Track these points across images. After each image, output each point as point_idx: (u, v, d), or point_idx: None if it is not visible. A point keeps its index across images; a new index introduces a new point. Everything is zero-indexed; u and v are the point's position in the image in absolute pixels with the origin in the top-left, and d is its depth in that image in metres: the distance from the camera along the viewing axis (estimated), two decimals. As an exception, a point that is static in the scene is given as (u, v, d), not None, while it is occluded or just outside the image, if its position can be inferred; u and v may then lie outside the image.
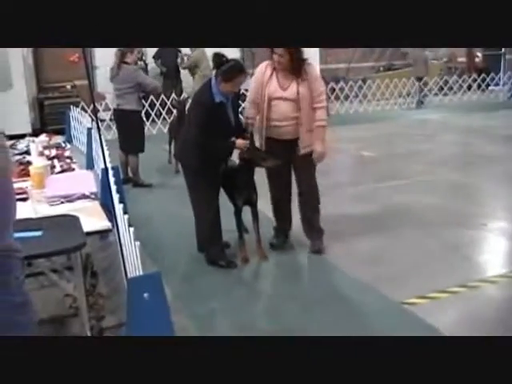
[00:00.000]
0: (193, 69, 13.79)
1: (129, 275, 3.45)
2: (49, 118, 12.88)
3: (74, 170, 5.28)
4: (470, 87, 17.18)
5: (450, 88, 16.93)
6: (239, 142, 5.05)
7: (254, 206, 5.40)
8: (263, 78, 5.24)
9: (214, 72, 5.08)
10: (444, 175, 8.37)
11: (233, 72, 4.90)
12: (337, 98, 15.56)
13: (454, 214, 6.51)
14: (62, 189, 4.39)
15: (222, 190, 5.36)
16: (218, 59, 5.01)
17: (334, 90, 15.53)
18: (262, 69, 5.29)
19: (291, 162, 5.34)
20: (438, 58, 18.39)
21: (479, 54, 19.16)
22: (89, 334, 3.62)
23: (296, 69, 5.14)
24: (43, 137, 6.64)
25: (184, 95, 12.52)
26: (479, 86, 17.44)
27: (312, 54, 17.38)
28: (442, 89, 16.91)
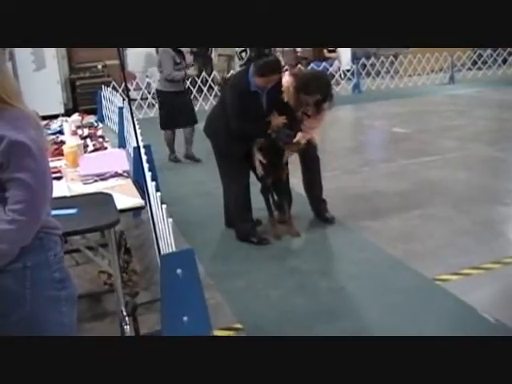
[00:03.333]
0: None
1: (162, 252, 3.49)
2: (81, 98, 13.01)
3: (106, 148, 5.33)
4: (505, 61, 16.82)
5: (484, 62, 16.60)
6: (275, 120, 5.04)
7: (282, 183, 5.39)
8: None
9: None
10: (477, 151, 8.24)
11: (266, 70, 4.87)
12: (368, 73, 15.39)
13: (487, 190, 6.43)
14: (95, 167, 4.44)
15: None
16: (258, 50, 5.02)
17: (365, 65, 15.37)
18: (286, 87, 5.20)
19: None
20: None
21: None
22: (123, 310, 3.68)
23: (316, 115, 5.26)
24: (76, 116, 6.70)
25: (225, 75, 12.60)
26: (515, 60, 17.08)
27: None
28: (475, 63, 16.60)
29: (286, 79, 5.26)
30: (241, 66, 15.26)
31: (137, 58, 14.62)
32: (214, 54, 14.37)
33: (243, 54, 15.45)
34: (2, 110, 2.01)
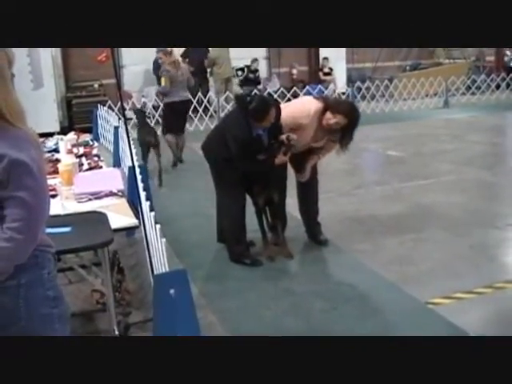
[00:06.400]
0: (212, 67, 13.99)
1: (155, 272, 3.49)
2: (77, 117, 13.03)
3: (101, 167, 5.35)
4: (498, 86, 16.98)
5: (478, 87, 16.74)
6: (280, 159, 5.09)
7: (275, 205, 5.40)
8: (302, 122, 5.19)
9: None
10: (471, 175, 8.29)
11: (261, 113, 4.91)
12: (363, 97, 15.49)
13: (481, 214, 6.45)
14: (90, 186, 4.46)
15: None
16: (242, 101, 5.13)
17: (361, 89, 15.47)
18: (309, 114, 5.18)
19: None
20: (466, 56, 18.20)
21: (508, 53, 18.88)
22: (115, 329, 3.67)
23: (343, 142, 5.29)
24: (71, 135, 6.74)
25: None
26: (508, 86, 17.21)
27: (338, 53, 17.27)
28: (469, 88, 16.73)
29: (310, 100, 5.35)
30: (237, 84, 15.41)
31: (133, 77, 14.72)
32: (213, 78, 14.51)
33: (239, 73, 15.59)
34: (4, 129, 2.03)
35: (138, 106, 12.93)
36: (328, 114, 5.12)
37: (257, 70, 15.87)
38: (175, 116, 9.45)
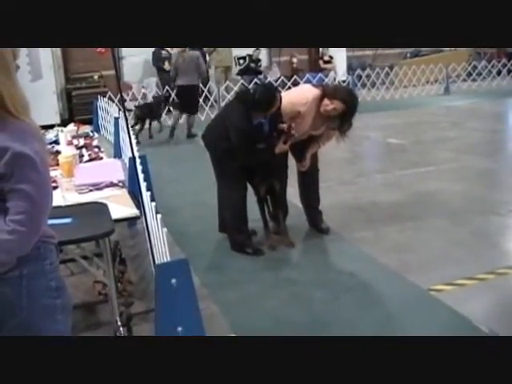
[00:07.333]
0: (212, 52, 13.96)
1: (157, 262, 3.49)
2: (77, 108, 13.04)
3: (101, 158, 5.34)
4: (499, 72, 16.92)
5: (479, 74, 16.69)
6: (280, 148, 5.11)
7: (276, 194, 5.40)
8: (300, 110, 5.15)
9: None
10: (471, 162, 8.27)
11: (266, 104, 4.91)
12: (363, 85, 15.45)
13: (482, 201, 6.45)
14: (91, 177, 4.45)
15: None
16: (245, 97, 5.11)
17: (361, 77, 15.43)
18: (308, 101, 5.15)
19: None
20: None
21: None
22: (118, 320, 3.67)
23: (342, 129, 5.27)
24: (71, 126, 6.72)
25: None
26: (509, 72, 17.15)
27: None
28: (470, 74, 16.68)
29: (309, 89, 5.33)
30: (237, 74, 15.37)
31: (133, 68, 14.70)
32: (211, 66, 14.46)
33: (241, 61, 15.56)
34: (8, 122, 2.03)
35: (137, 97, 12.96)
36: (326, 101, 5.11)
37: (259, 60, 15.80)
38: (183, 97, 11.04)
